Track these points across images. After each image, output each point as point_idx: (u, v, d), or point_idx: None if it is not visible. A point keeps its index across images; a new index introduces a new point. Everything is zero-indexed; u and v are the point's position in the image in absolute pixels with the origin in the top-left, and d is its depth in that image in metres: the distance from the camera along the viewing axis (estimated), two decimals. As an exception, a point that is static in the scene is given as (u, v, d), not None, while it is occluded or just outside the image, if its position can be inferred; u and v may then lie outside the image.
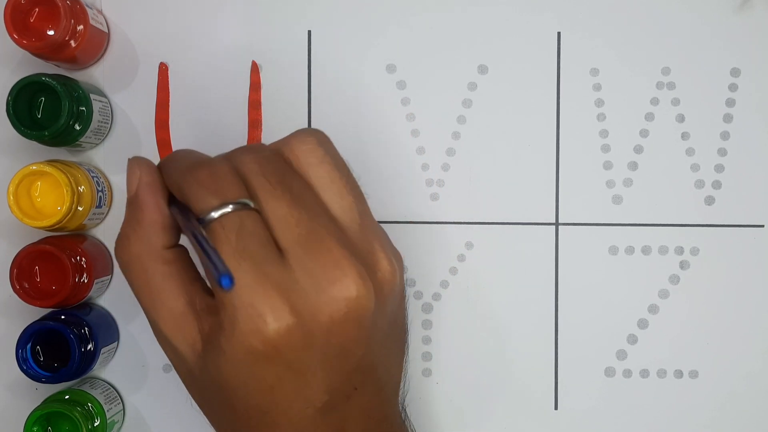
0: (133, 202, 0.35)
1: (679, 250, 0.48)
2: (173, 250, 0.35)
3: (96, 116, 0.46)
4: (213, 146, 0.48)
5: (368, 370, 0.34)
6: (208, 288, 0.34)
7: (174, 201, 0.35)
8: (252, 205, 0.32)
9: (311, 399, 0.33)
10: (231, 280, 0.31)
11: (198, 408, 0.37)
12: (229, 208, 0.32)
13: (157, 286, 0.34)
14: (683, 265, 0.48)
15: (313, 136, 0.35)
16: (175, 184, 0.34)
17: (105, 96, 0.47)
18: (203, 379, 0.34)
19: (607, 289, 0.48)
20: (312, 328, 0.31)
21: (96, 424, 0.45)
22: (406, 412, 0.40)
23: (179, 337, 0.34)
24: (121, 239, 0.34)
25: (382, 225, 0.47)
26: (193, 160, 0.34)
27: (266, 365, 0.32)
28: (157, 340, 0.35)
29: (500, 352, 0.48)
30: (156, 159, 0.48)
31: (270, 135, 0.48)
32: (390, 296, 0.34)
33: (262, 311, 0.31)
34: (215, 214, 0.32)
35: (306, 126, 0.48)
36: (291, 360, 0.32)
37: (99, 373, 0.48)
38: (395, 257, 0.35)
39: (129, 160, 0.35)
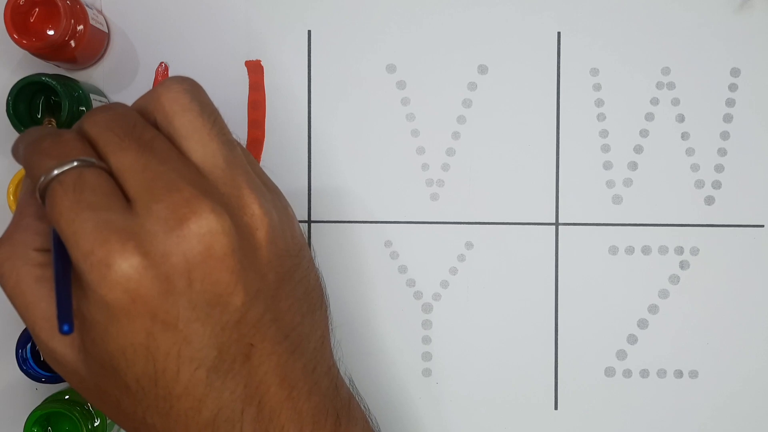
0: (17, 209, 0.34)
1: (679, 250, 0.48)
2: (47, 252, 0.33)
3: (96, 116, 0.46)
4: (213, 146, 0.48)
5: (262, 324, 0.32)
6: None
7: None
8: (97, 163, 0.31)
9: (197, 357, 0.31)
10: (70, 326, 0.29)
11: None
12: (70, 165, 0.30)
13: (30, 290, 0.32)
14: (683, 265, 0.48)
15: (180, 84, 0.33)
16: (22, 160, 0.33)
17: (105, 96, 0.47)
18: (90, 374, 0.32)
19: (607, 289, 0.48)
20: (166, 270, 0.29)
21: (96, 424, 0.45)
22: (352, 381, 0.38)
23: (56, 340, 0.32)
24: None
25: (382, 225, 0.48)
26: (41, 132, 0.33)
27: (128, 318, 0.30)
28: (39, 350, 0.34)
29: (500, 352, 0.48)
30: (156, 159, 0.48)
31: (270, 135, 0.48)
32: (269, 243, 0.32)
33: (104, 256, 0.29)
34: (56, 172, 0.30)
35: (305, 125, 0.48)
36: (154, 309, 0.29)
37: (99, 373, 0.48)
38: (276, 207, 0.33)
39: (24, 177, 0.36)
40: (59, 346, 0.32)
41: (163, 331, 0.30)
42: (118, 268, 0.29)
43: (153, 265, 0.29)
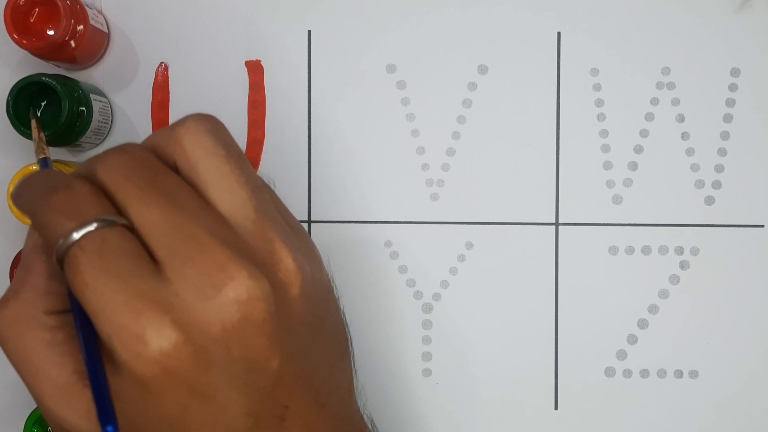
0: (22, 265, 0.31)
1: (679, 250, 0.48)
2: (58, 315, 0.30)
3: (96, 116, 0.46)
4: (213, 146, 0.48)
5: (297, 384, 0.31)
6: None
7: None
8: (118, 220, 0.28)
9: (233, 426, 0.29)
10: (115, 427, 0.26)
11: None
12: (91, 228, 0.27)
13: (38, 356, 0.30)
14: (683, 265, 0.48)
15: (202, 123, 0.30)
16: (30, 213, 0.29)
17: (105, 96, 0.47)
18: None
19: (607, 289, 0.48)
20: (204, 342, 0.27)
21: (96, 424, 0.45)
22: (373, 422, 0.38)
23: (67, 409, 0.29)
24: (3, 300, 0.30)
25: (382, 225, 0.48)
26: (50, 183, 0.29)
27: (164, 394, 0.28)
28: (46, 419, 0.31)
29: (500, 352, 0.48)
30: (156, 159, 0.48)
31: (270, 135, 0.48)
32: (302, 297, 0.30)
33: (139, 331, 0.27)
34: (76, 236, 0.27)
35: (305, 124, 0.48)
36: (191, 383, 0.28)
37: (99, 373, 0.48)
38: (306, 254, 0.31)
39: (30, 229, 0.31)
40: (72, 417, 0.29)
41: (201, 404, 0.28)
42: (155, 344, 0.27)
43: (190, 339, 0.27)
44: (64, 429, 0.30)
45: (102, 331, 0.27)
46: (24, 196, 0.30)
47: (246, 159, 0.30)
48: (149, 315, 0.27)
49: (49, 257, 0.30)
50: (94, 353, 0.28)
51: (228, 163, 0.30)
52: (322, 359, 0.32)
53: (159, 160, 0.30)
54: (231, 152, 0.30)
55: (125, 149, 0.30)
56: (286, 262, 0.30)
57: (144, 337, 0.26)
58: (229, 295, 0.27)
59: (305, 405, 0.31)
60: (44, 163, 0.37)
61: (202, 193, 0.29)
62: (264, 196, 0.30)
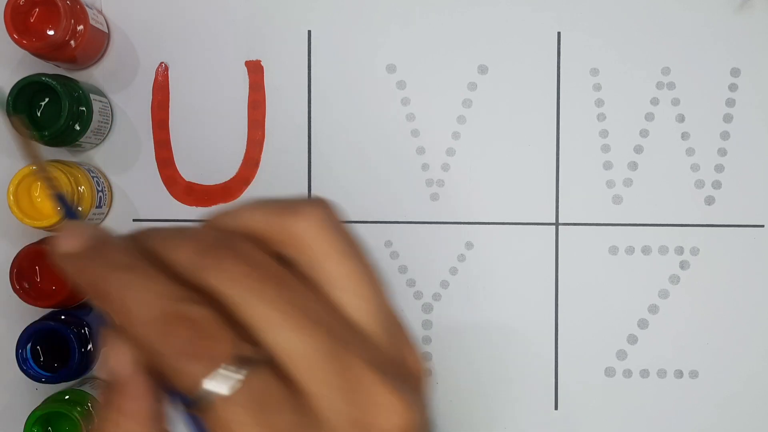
0: (115, 388, 0.25)
1: (679, 250, 0.48)
2: None
3: (96, 116, 0.46)
4: (213, 146, 0.48)
5: None
6: None
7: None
8: (255, 357, 0.24)
9: None
10: None
11: None
12: (229, 372, 0.23)
13: None
14: (683, 265, 0.48)
15: (324, 216, 0.26)
16: (141, 341, 0.24)
17: (105, 96, 0.47)
18: None
19: (607, 289, 0.48)
20: None
21: (96, 424, 0.45)
22: None
23: None
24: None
25: (382, 225, 0.48)
26: (157, 308, 0.24)
27: None
28: None
29: (500, 352, 0.48)
30: (153, 159, 0.48)
31: (270, 135, 0.48)
32: (426, 402, 0.28)
33: None
34: (221, 389, 0.23)
35: (305, 124, 0.48)
36: None
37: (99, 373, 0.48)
38: (421, 356, 0.28)
39: (109, 333, 0.25)
40: None
41: None
42: None
43: None
44: None
45: None
46: (132, 322, 0.24)
47: (359, 244, 0.27)
48: None
49: (150, 381, 0.25)
50: None
51: (351, 259, 0.26)
52: None
53: (280, 265, 0.25)
54: (353, 248, 0.27)
55: (239, 251, 0.25)
56: (417, 369, 0.27)
57: None
58: (387, 425, 0.25)
59: None
60: (64, 204, 0.29)
61: (324, 294, 0.26)
62: (384, 293, 0.28)
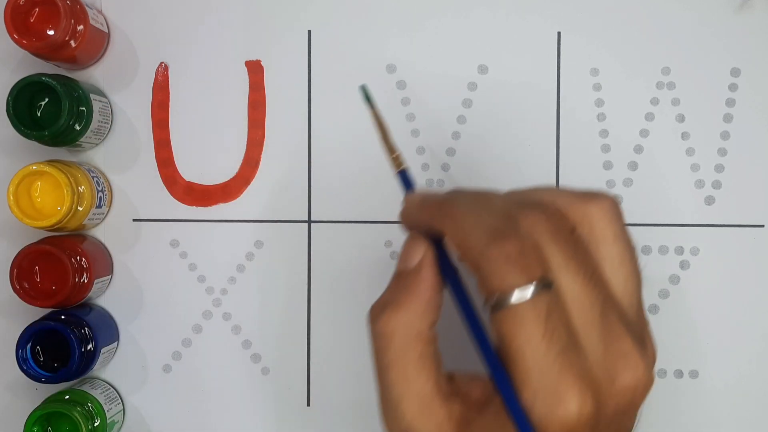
0: (412, 274, 0.33)
1: (679, 250, 0.48)
2: (433, 330, 0.33)
3: (96, 116, 0.46)
4: (213, 146, 0.48)
5: None
6: (444, 373, 0.33)
7: (449, 279, 0.33)
8: (553, 284, 0.30)
9: None
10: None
11: None
12: (532, 287, 0.29)
13: (412, 364, 0.32)
14: (683, 265, 0.48)
15: (612, 206, 0.33)
16: (474, 249, 0.30)
17: (105, 96, 0.47)
18: None
19: (607, 289, 0.48)
20: (600, 417, 0.30)
21: (96, 424, 0.45)
22: None
23: (422, 421, 0.31)
24: (390, 305, 0.32)
25: (382, 225, 0.48)
26: (493, 224, 0.31)
27: None
28: (388, 421, 0.32)
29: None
30: (153, 159, 0.48)
31: (270, 135, 0.48)
32: (646, 394, 0.33)
33: (566, 395, 0.29)
34: (526, 294, 0.29)
35: (305, 124, 0.48)
36: None
37: (99, 373, 0.48)
38: (654, 351, 0.34)
39: (411, 235, 0.34)
40: (423, 425, 0.31)
41: None
42: (573, 410, 0.29)
43: (595, 413, 0.30)
44: None
45: (527, 385, 0.29)
46: (463, 231, 0.31)
47: (634, 244, 0.33)
48: (576, 383, 0.29)
49: (437, 272, 0.33)
50: (521, 413, 0.29)
51: (629, 251, 0.32)
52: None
53: (572, 228, 0.32)
54: (630, 241, 0.33)
55: (544, 207, 0.32)
56: (653, 356, 0.32)
57: (568, 402, 0.29)
58: (630, 382, 0.30)
59: None
60: (404, 176, 0.38)
61: (600, 268, 0.32)
62: (641, 287, 0.33)
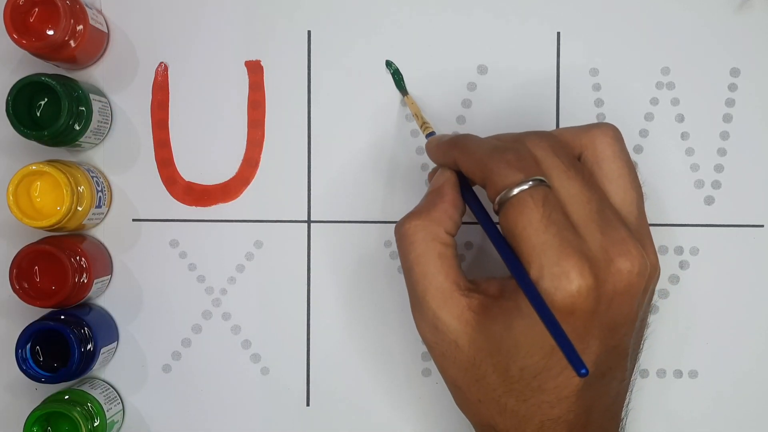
0: (435, 192, 0.39)
1: (679, 250, 0.48)
2: (451, 236, 0.38)
3: (96, 116, 0.46)
4: (213, 146, 0.48)
5: (623, 353, 0.37)
6: (465, 275, 0.38)
7: (468, 198, 0.39)
8: (549, 183, 0.35)
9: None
10: (587, 369, 0.31)
11: (442, 386, 0.40)
12: (530, 183, 0.35)
13: (432, 262, 0.37)
14: (683, 265, 0.48)
15: (612, 131, 0.38)
16: (479, 161, 0.37)
17: (105, 96, 0.47)
18: (470, 346, 0.36)
19: (607, 289, 0.48)
20: (600, 294, 0.34)
21: (96, 424, 0.45)
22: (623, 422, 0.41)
23: (445, 310, 0.37)
24: (413, 214, 0.38)
25: (382, 225, 0.48)
26: (495, 143, 0.37)
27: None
28: (417, 315, 0.38)
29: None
30: (153, 159, 0.48)
31: (270, 135, 0.48)
32: (650, 289, 0.37)
33: (567, 270, 0.33)
34: (524, 186, 0.35)
35: (305, 124, 0.48)
36: (578, 323, 0.34)
37: (99, 373, 0.48)
38: (656, 257, 0.38)
39: (441, 169, 0.40)
40: (447, 317, 0.37)
41: (573, 339, 0.33)
42: (576, 283, 0.33)
43: (594, 288, 0.34)
44: (435, 324, 0.37)
45: (533, 262, 0.34)
46: (470, 149, 0.38)
47: (635, 168, 0.39)
48: (575, 260, 0.33)
49: (457, 192, 0.39)
50: (531, 286, 0.33)
51: (627, 167, 0.38)
52: (637, 344, 0.39)
53: (577, 154, 0.38)
54: (629, 159, 0.38)
55: (547, 134, 0.38)
56: (652, 257, 0.37)
57: (569, 275, 0.33)
58: (625, 265, 0.35)
59: (617, 374, 0.37)
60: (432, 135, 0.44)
61: (599, 185, 0.37)
62: (643, 202, 0.38)
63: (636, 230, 0.37)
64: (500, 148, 0.36)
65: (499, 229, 0.36)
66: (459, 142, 0.39)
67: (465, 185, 0.39)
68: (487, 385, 0.37)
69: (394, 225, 0.48)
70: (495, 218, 0.37)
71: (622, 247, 0.35)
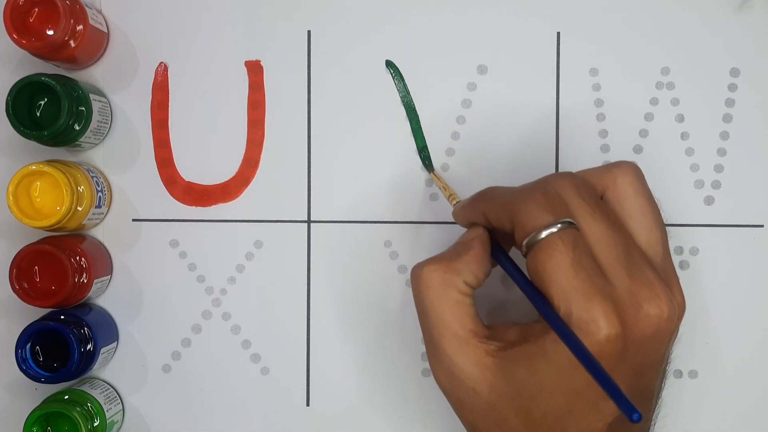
0: (462, 244, 0.39)
1: (679, 250, 0.48)
2: (470, 288, 0.38)
3: (95, 116, 0.46)
4: (213, 146, 0.48)
5: (648, 395, 0.37)
6: (483, 323, 0.38)
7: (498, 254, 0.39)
8: (576, 225, 0.35)
9: (605, 412, 0.35)
10: (640, 414, 0.30)
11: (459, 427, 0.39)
12: (559, 225, 0.34)
13: (448, 308, 0.37)
14: (683, 265, 0.48)
15: (633, 169, 0.38)
16: (507, 204, 0.37)
17: (105, 96, 0.47)
18: (490, 393, 0.36)
19: (607, 289, 0.48)
20: (628, 340, 0.34)
21: (96, 424, 0.45)
22: None
23: (462, 356, 0.36)
24: (434, 260, 0.38)
25: (382, 225, 0.48)
26: (521, 187, 0.37)
27: (583, 370, 0.33)
28: (433, 361, 0.38)
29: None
30: (152, 159, 0.48)
31: (270, 135, 0.48)
32: (676, 330, 0.36)
33: (596, 317, 0.33)
34: (553, 229, 0.34)
35: (305, 124, 0.48)
36: (607, 367, 0.33)
37: (99, 373, 0.48)
38: (682, 297, 0.38)
39: (473, 226, 0.40)
40: (465, 363, 0.36)
41: (589, 386, 0.34)
42: (604, 331, 0.33)
43: (622, 335, 0.33)
44: (452, 370, 0.37)
45: (560, 307, 0.34)
46: (495, 195, 0.38)
47: (658, 205, 0.38)
48: (604, 306, 0.33)
49: (484, 249, 0.39)
50: (571, 335, 0.33)
51: (649, 205, 0.38)
52: (660, 387, 0.39)
53: (600, 193, 0.38)
54: (651, 197, 0.38)
55: (569, 174, 0.37)
56: (679, 298, 0.37)
57: (598, 322, 0.33)
58: (654, 310, 0.34)
59: (645, 412, 0.37)
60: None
61: (625, 222, 0.37)
62: (667, 241, 0.38)
63: (662, 270, 0.37)
64: (527, 190, 0.36)
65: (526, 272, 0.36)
66: (484, 193, 0.39)
67: (495, 245, 0.39)
68: (508, 430, 0.36)
69: (394, 225, 0.48)
70: (516, 255, 0.37)
71: (651, 291, 0.35)
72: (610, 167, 0.38)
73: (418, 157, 0.48)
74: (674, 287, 0.37)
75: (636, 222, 0.37)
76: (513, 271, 0.38)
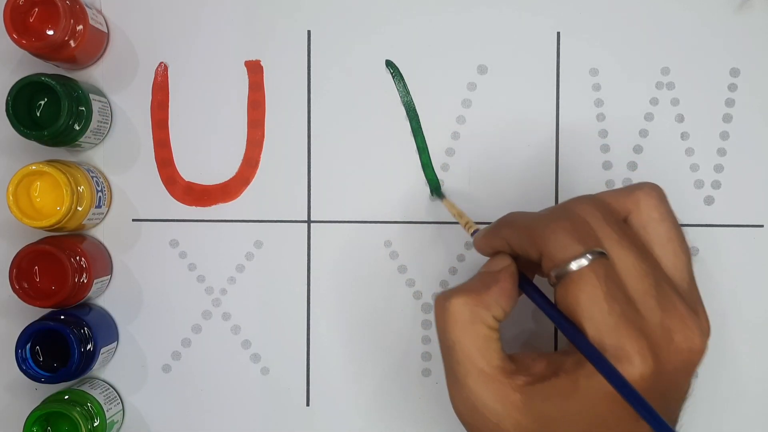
0: (490, 275, 0.37)
1: (679, 250, 0.48)
2: (498, 322, 0.36)
3: (95, 116, 0.46)
4: (213, 146, 0.48)
5: (673, 423, 0.36)
6: (508, 356, 0.36)
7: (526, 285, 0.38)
8: (607, 254, 0.34)
9: None
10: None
11: None
12: (589, 257, 0.34)
13: (476, 344, 0.35)
14: (683, 265, 0.48)
15: (657, 192, 0.37)
16: (532, 232, 0.36)
17: (104, 96, 0.47)
18: (518, 429, 0.35)
19: (607, 289, 0.48)
20: (660, 375, 0.33)
21: (96, 424, 0.45)
22: None
23: (488, 393, 0.35)
24: (462, 291, 0.36)
25: (382, 225, 0.48)
26: (544, 213, 0.36)
27: (615, 406, 0.33)
28: (456, 394, 0.36)
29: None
30: (152, 159, 0.48)
31: (270, 135, 0.48)
32: (703, 357, 0.36)
33: (630, 354, 0.32)
34: (584, 261, 0.34)
35: (305, 124, 0.48)
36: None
37: (99, 373, 0.48)
38: (708, 322, 0.37)
39: (500, 254, 0.38)
40: (490, 400, 0.35)
41: (628, 421, 0.33)
42: (639, 368, 0.32)
43: (655, 371, 0.33)
44: (473, 403, 0.35)
45: (596, 338, 0.33)
46: (520, 222, 0.37)
47: (681, 228, 0.37)
48: (638, 342, 0.33)
49: (513, 282, 0.37)
50: (611, 368, 0.32)
51: (674, 229, 0.37)
52: (679, 419, 0.37)
53: (623, 217, 0.37)
54: (675, 221, 0.37)
55: (594, 199, 0.37)
56: (705, 326, 0.36)
57: (632, 359, 0.32)
58: (686, 344, 0.34)
59: None
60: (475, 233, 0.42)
61: (651, 253, 0.36)
62: (692, 264, 0.37)
63: (688, 296, 0.36)
64: (553, 217, 0.35)
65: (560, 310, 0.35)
66: (506, 220, 0.38)
67: (522, 276, 0.38)
68: None
69: (394, 225, 0.48)
70: (543, 284, 0.36)
71: (682, 323, 0.34)
72: (632, 189, 0.37)
73: (417, 156, 0.48)
74: (700, 313, 0.36)
75: (661, 247, 0.36)
76: (544, 304, 0.36)
